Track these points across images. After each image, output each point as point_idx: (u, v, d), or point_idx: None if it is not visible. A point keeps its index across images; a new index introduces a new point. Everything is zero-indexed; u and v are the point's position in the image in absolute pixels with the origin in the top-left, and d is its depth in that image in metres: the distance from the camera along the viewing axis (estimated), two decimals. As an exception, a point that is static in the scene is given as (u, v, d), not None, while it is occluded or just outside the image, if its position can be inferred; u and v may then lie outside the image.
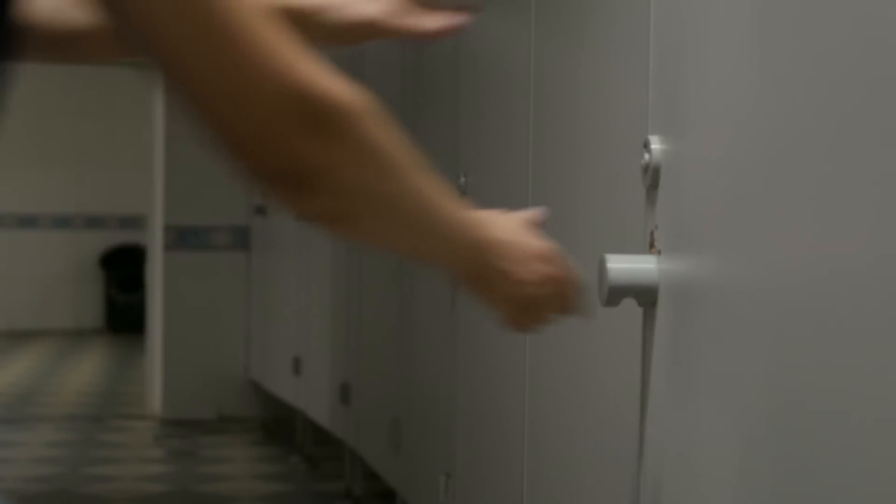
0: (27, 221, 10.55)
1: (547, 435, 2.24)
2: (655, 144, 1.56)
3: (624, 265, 1.53)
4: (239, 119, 0.85)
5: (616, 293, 1.53)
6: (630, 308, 1.62)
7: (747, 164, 1.34)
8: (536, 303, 1.29)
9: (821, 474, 1.16)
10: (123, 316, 10.25)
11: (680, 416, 1.50)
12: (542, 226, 1.30)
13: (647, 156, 1.56)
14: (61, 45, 1.22)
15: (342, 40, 1.32)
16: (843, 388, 1.12)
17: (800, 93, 1.23)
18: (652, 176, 1.56)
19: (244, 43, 0.83)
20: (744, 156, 1.35)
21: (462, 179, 2.83)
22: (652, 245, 1.57)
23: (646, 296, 1.54)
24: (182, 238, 6.14)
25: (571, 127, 2.11)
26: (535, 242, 1.24)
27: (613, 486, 1.87)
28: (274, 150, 0.88)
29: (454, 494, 2.93)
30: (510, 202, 2.48)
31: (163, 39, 0.81)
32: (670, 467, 1.53)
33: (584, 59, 2.05)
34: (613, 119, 1.88)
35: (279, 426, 5.90)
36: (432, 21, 1.34)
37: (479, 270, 1.25)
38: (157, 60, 0.83)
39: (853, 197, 1.12)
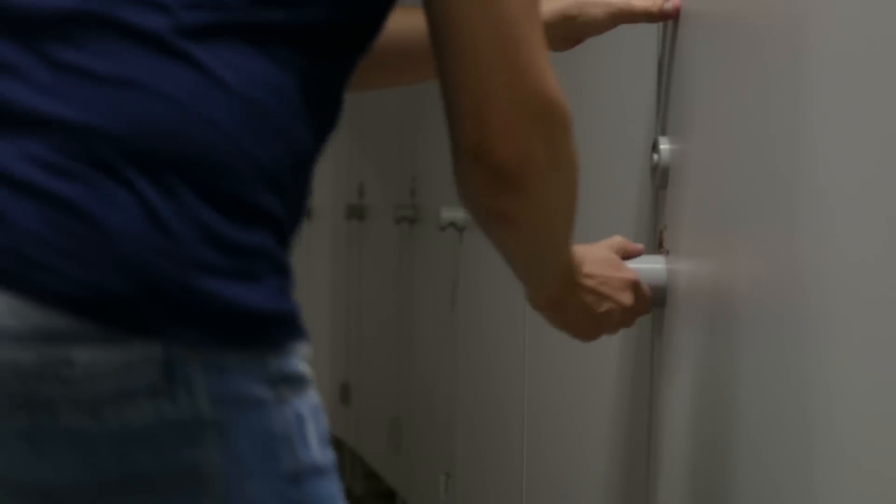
0: (23, 220, 10.54)
1: (547, 435, 2.24)
2: (664, 145, 1.56)
3: (633, 265, 1.53)
4: (492, 110, 1.02)
5: (624, 293, 1.53)
6: (637, 308, 1.62)
7: (756, 165, 1.34)
8: (605, 324, 1.39)
9: (824, 473, 1.17)
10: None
11: (688, 417, 1.50)
12: (635, 251, 1.47)
13: (655, 156, 1.57)
14: (397, 62, 1.38)
15: (589, 35, 1.53)
16: (850, 388, 1.13)
17: (809, 92, 1.23)
18: (661, 176, 1.56)
19: (520, 51, 1.00)
20: (752, 156, 1.35)
21: (464, 179, 2.83)
22: (660, 245, 1.57)
23: (654, 296, 1.54)
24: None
25: (579, 128, 2.10)
26: (620, 274, 1.38)
27: (614, 486, 1.87)
28: (508, 144, 1.04)
29: (454, 494, 2.93)
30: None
31: (461, 36, 0.98)
32: (672, 467, 1.53)
33: (591, 60, 2.06)
34: (622, 120, 1.88)
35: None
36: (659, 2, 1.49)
37: (562, 297, 1.36)
38: (445, 52, 0.99)
39: (863, 196, 1.12)
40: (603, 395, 1.95)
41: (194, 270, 0.86)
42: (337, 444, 4.71)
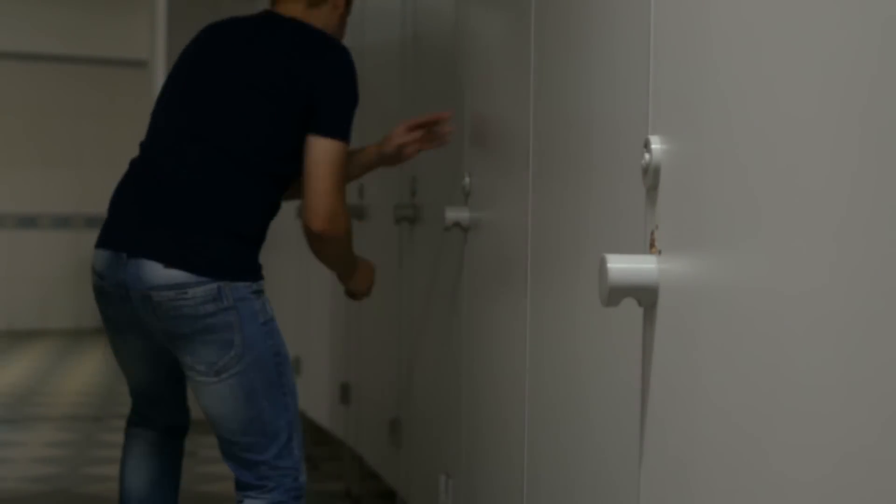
0: (27, 221, 10.55)
1: (547, 435, 2.24)
2: (656, 144, 1.56)
3: (624, 265, 1.53)
4: (312, 211, 2.71)
5: (616, 293, 1.53)
6: (630, 308, 1.62)
7: (747, 164, 1.34)
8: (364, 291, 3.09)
9: (822, 472, 1.17)
10: (123, 316, 10.25)
11: (680, 416, 1.50)
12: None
13: (647, 156, 1.57)
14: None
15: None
16: (844, 386, 1.13)
17: (800, 93, 1.23)
18: (652, 176, 1.56)
19: (334, 185, 2.71)
20: (744, 156, 1.35)
21: (466, 180, 2.83)
22: (652, 245, 1.57)
23: (646, 296, 1.54)
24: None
25: (571, 126, 2.11)
26: (368, 267, 3.08)
27: (613, 486, 1.87)
28: (317, 225, 2.73)
29: (454, 494, 2.93)
30: (512, 202, 2.48)
31: (311, 168, 2.72)
32: (670, 467, 1.53)
33: (584, 59, 2.06)
34: (614, 119, 1.88)
35: (279, 426, 5.90)
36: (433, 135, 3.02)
37: (352, 276, 3.04)
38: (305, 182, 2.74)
39: (853, 196, 1.12)
40: (602, 395, 1.95)
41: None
42: (337, 444, 4.73)
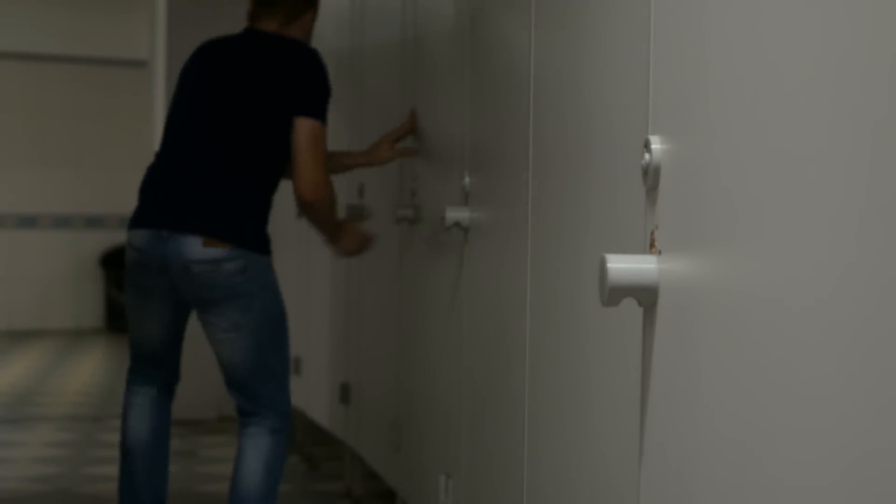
0: (27, 221, 10.55)
1: (547, 435, 2.24)
2: (656, 144, 1.56)
3: (624, 265, 1.53)
4: (302, 181, 3.34)
5: (616, 293, 1.53)
6: (630, 308, 1.62)
7: (747, 164, 1.34)
8: (352, 249, 3.59)
9: (823, 472, 1.17)
10: (123, 316, 10.23)
11: (680, 415, 1.50)
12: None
13: (647, 156, 1.56)
14: None
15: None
16: (845, 386, 1.13)
17: (800, 92, 1.23)
18: (652, 176, 1.56)
19: (316, 159, 3.33)
20: (744, 156, 1.35)
21: (466, 180, 2.83)
22: (652, 245, 1.57)
23: (646, 296, 1.54)
24: (182, 238, 6.14)
25: (571, 127, 2.11)
26: (353, 229, 3.60)
27: (613, 485, 1.87)
28: (306, 194, 3.36)
29: (454, 494, 2.93)
30: (511, 202, 2.48)
31: (297, 146, 3.32)
32: (670, 467, 1.53)
33: (584, 60, 2.06)
34: (614, 119, 1.88)
35: (279, 426, 5.90)
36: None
37: (337, 237, 3.54)
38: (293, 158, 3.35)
39: (853, 196, 1.12)
40: (600, 394, 1.95)
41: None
42: (337, 444, 4.73)
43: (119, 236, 10.50)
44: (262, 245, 3.31)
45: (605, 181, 1.93)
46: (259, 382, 3.34)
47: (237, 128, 3.29)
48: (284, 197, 5.79)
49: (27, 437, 5.81)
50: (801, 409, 1.20)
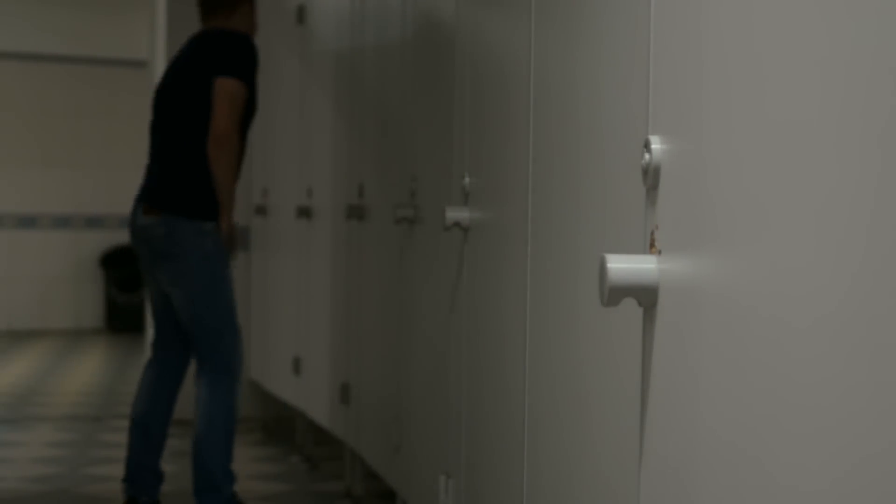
0: (27, 221, 10.55)
1: (547, 435, 2.24)
2: (656, 144, 1.56)
3: (624, 265, 1.53)
4: (212, 129, 3.88)
5: (616, 293, 1.53)
6: (630, 308, 1.62)
7: (747, 164, 1.34)
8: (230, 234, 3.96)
9: (823, 473, 1.17)
10: (123, 316, 10.26)
11: (680, 416, 1.50)
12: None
13: (647, 156, 1.56)
14: None
15: None
16: (845, 386, 1.13)
17: (800, 92, 1.23)
18: (652, 176, 1.56)
19: (230, 110, 3.85)
20: (744, 156, 1.35)
21: (466, 180, 2.83)
22: (652, 245, 1.57)
23: (646, 296, 1.54)
24: (182, 238, 6.14)
25: (571, 127, 2.11)
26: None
27: (613, 486, 1.87)
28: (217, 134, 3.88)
29: (454, 494, 2.93)
30: (511, 202, 2.48)
31: (214, 99, 3.87)
32: (670, 467, 1.53)
33: (584, 59, 2.06)
34: (614, 119, 1.88)
35: (279, 426, 5.90)
36: None
37: (228, 211, 3.93)
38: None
39: (853, 196, 1.12)
40: (600, 394, 1.95)
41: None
42: (337, 444, 4.73)
43: (119, 236, 10.51)
44: (191, 211, 3.85)
45: (605, 181, 1.93)
46: (200, 335, 3.90)
47: (178, 110, 3.91)
48: (285, 196, 5.76)
49: (27, 437, 5.81)
50: (801, 410, 1.20)
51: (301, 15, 5.34)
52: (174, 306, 3.94)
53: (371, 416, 4.04)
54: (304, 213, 5.07)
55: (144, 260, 4.00)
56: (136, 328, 9.20)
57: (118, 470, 4.93)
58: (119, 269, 10.35)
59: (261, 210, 5.98)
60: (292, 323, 5.35)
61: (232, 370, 3.95)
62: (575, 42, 2.11)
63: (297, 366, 5.24)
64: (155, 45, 7.59)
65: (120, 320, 10.30)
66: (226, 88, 3.84)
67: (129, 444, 4.06)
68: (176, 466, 4.86)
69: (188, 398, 6.26)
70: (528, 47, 2.36)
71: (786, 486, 1.23)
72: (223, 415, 3.94)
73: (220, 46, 3.94)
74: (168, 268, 3.89)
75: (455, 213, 2.83)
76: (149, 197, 3.93)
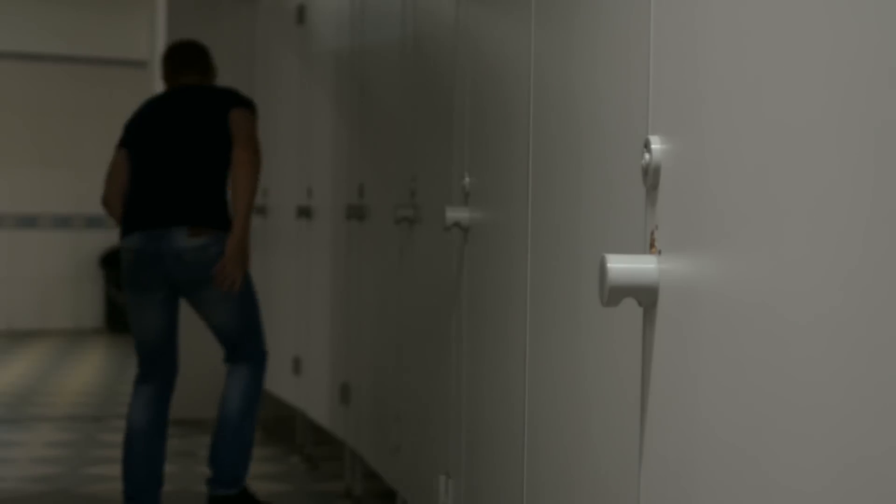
0: (27, 221, 10.55)
1: (547, 435, 2.24)
2: (656, 144, 1.56)
3: (624, 265, 1.53)
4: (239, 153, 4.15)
5: (616, 293, 1.53)
6: (630, 308, 1.62)
7: (747, 164, 1.34)
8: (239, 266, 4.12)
9: (820, 470, 1.17)
10: (123, 316, 10.24)
11: (680, 415, 1.50)
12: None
13: (647, 156, 1.57)
14: None
15: None
16: (845, 386, 1.13)
17: (799, 92, 1.23)
18: (652, 176, 1.56)
19: (251, 135, 4.18)
20: (744, 155, 1.35)
21: (466, 180, 2.83)
22: (652, 245, 1.57)
23: (646, 296, 1.54)
24: (182, 238, 6.14)
25: (571, 127, 2.11)
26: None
27: (613, 485, 1.87)
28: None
29: (454, 494, 2.93)
30: (511, 202, 2.48)
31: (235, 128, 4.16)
32: (670, 467, 1.53)
33: (584, 60, 2.06)
34: (614, 119, 1.88)
35: (279, 426, 5.90)
36: None
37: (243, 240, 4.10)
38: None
39: (852, 195, 1.12)
40: (600, 394, 1.95)
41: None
42: (337, 444, 4.73)
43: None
44: (228, 224, 4.12)
45: (605, 181, 1.93)
46: (245, 336, 4.21)
47: (193, 144, 4.16)
48: (285, 198, 5.76)
49: (27, 437, 5.81)
50: (800, 409, 1.20)
51: (301, 15, 5.34)
52: (212, 324, 4.19)
53: (371, 416, 4.04)
54: (304, 212, 5.07)
55: (166, 283, 4.07)
56: (136, 328, 9.18)
57: (118, 470, 4.93)
58: (119, 269, 10.34)
59: (261, 210, 5.98)
60: (292, 323, 5.35)
61: (266, 362, 4.31)
62: (575, 42, 2.11)
63: (297, 366, 5.24)
64: (155, 45, 7.60)
65: (120, 320, 10.30)
66: (247, 116, 4.17)
67: (128, 458, 4.10)
68: (176, 466, 4.86)
69: (189, 398, 6.27)
70: (528, 47, 2.36)
71: (785, 485, 1.23)
72: (256, 403, 4.25)
73: (225, 91, 4.32)
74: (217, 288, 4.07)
75: (455, 213, 2.83)
76: (187, 219, 4.05)
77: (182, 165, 4.14)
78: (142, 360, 4.16)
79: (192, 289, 4.09)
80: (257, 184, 4.15)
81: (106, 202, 4.26)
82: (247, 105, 4.20)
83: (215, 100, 4.22)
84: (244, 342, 4.22)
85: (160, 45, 6.68)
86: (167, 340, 4.16)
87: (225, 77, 6.07)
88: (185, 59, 4.43)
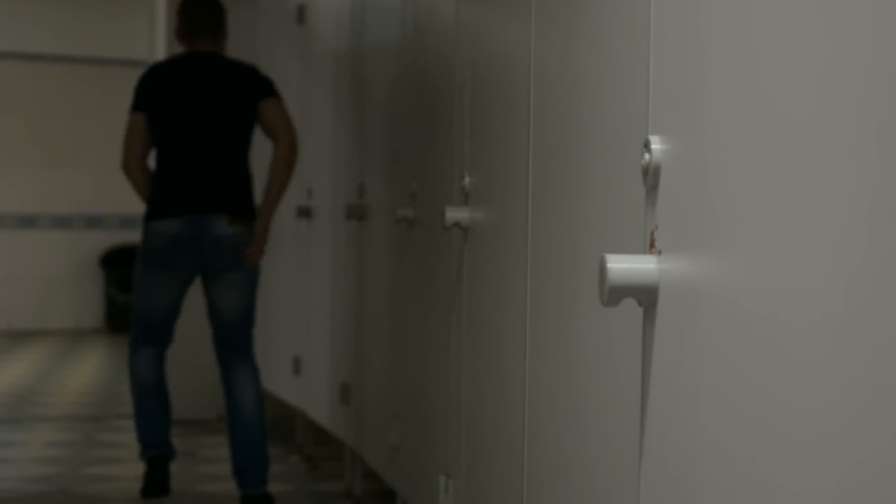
0: (27, 221, 10.55)
1: (547, 435, 2.24)
2: (656, 144, 1.56)
3: (624, 265, 1.53)
4: (283, 137, 4.37)
5: (616, 293, 1.53)
6: (630, 308, 1.62)
7: (747, 164, 1.34)
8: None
9: (820, 472, 1.16)
10: (123, 316, 10.24)
11: (680, 416, 1.50)
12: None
13: (647, 156, 1.56)
14: None
15: None
16: (845, 387, 1.13)
17: (801, 92, 1.23)
18: (652, 176, 1.56)
19: (289, 120, 4.38)
20: (744, 156, 1.35)
21: (466, 180, 2.83)
22: (652, 245, 1.57)
23: (646, 296, 1.54)
24: (182, 238, 6.14)
25: (571, 127, 2.11)
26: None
27: (613, 486, 1.87)
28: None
29: (454, 494, 2.93)
30: (511, 202, 2.48)
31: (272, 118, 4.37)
32: (670, 468, 1.53)
33: (584, 59, 2.06)
34: (614, 119, 1.88)
35: (279, 426, 5.90)
36: None
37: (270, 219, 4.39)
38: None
39: (853, 196, 1.12)
40: (600, 395, 1.95)
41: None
42: (337, 444, 4.73)
43: (119, 236, 10.51)
44: (254, 214, 4.33)
45: (605, 181, 1.93)
46: (248, 325, 4.37)
47: (224, 129, 4.29)
48: (285, 198, 5.77)
49: (27, 437, 5.81)
50: (800, 411, 1.20)
51: (301, 15, 5.34)
52: (220, 307, 4.35)
53: (371, 416, 4.04)
54: (305, 213, 5.07)
55: (194, 266, 4.32)
56: (136, 328, 9.18)
57: (118, 470, 4.94)
58: (119, 269, 10.35)
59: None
60: (292, 323, 5.35)
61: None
62: (575, 42, 2.11)
63: (297, 366, 5.24)
64: (155, 45, 7.60)
65: (120, 320, 10.30)
66: (279, 107, 4.34)
67: (142, 413, 4.48)
68: (176, 466, 4.86)
69: (189, 398, 6.27)
70: (528, 47, 2.36)
71: (785, 486, 1.23)
72: (263, 399, 4.40)
73: (250, 72, 4.40)
74: (242, 272, 4.31)
75: (455, 213, 2.83)
76: (228, 208, 4.26)
77: (214, 150, 4.28)
78: (144, 328, 4.43)
79: (218, 273, 4.28)
80: (292, 177, 4.41)
81: (126, 167, 4.37)
82: (273, 92, 4.34)
83: (243, 83, 4.32)
84: (246, 329, 4.37)
85: (160, 45, 6.67)
86: (175, 314, 4.42)
87: (225, 77, 6.07)
88: (202, 20, 4.46)
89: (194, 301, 4.74)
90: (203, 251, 4.26)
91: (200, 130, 4.28)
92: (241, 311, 4.34)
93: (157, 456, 4.45)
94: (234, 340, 4.35)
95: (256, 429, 4.29)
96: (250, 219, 4.29)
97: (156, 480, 4.44)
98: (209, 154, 4.27)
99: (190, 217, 4.24)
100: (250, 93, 4.30)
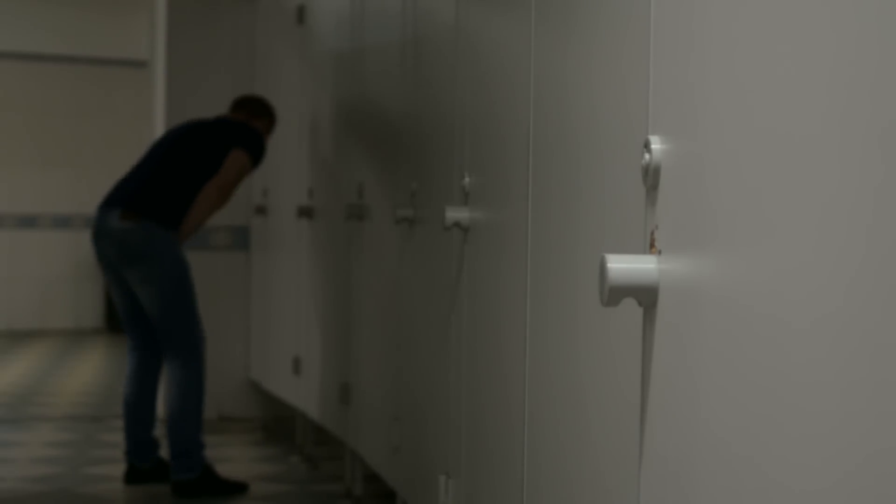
0: (27, 221, 10.55)
1: (547, 435, 2.24)
2: (656, 144, 1.56)
3: (624, 265, 1.53)
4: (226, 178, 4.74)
5: (616, 293, 1.53)
6: (630, 308, 1.62)
7: (747, 164, 1.34)
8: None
9: (820, 472, 1.16)
10: (123, 316, 10.26)
11: (680, 416, 1.50)
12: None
13: (647, 156, 1.56)
14: None
15: None
16: (846, 387, 1.13)
17: (801, 92, 1.23)
18: (652, 176, 1.56)
19: (231, 177, 4.72)
20: (744, 155, 1.35)
21: (466, 180, 2.83)
22: (652, 245, 1.57)
23: (646, 296, 1.54)
24: (182, 238, 6.15)
25: (571, 126, 2.11)
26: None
27: (613, 485, 1.87)
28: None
29: (454, 494, 2.93)
30: (511, 202, 2.48)
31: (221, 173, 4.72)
32: (670, 468, 1.53)
33: (584, 59, 2.06)
34: (613, 119, 1.88)
35: (279, 426, 5.90)
36: None
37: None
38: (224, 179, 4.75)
39: (853, 196, 1.12)
40: (600, 394, 1.95)
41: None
42: (337, 444, 4.73)
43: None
44: (166, 222, 4.56)
45: (605, 181, 1.93)
46: (170, 326, 4.55)
47: (192, 151, 4.69)
48: (285, 198, 5.76)
49: (27, 437, 5.81)
50: (800, 411, 1.20)
51: (301, 15, 5.34)
52: (142, 302, 4.58)
53: (371, 416, 4.04)
54: (305, 213, 5.07)
55: (108, 260, 4.62)
56: (136, 328, 9.18)
57: (118, 470, 4.93)
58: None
59: (261, 210, 5.98)
60: (292, 323, 5.35)
61: (201, 351, 4.62)
62: (575, 42, 2.11)
63: (297, 366, 5.24)
64: (155, 45, 7.59)
65: (119, 320, 10.30)
66: (242, 160, 4.70)
67: (124, 422, 4.74)
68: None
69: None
70: (528, 47, 2.36)
71: (785, 486, 1.23)
72: (195, 391, 4.58)
73: (247, 129, 4.81)
74: (140, 267, 4.54)
75: (455, 213, 2.83)
76: (127, 204, 4.59)
77: (162, 161, 4.69)
78: (124, 328, 4.81)
79: (123, 268, 4.56)
80: (209, 216, 4.72)
81: None
82: (249, 148, 4.73)
83: (229, 131, 4.77)
84: (164, 325, 4.58)
85: (160, 45, 6.67)
86: (134, 315, 4.70)
87: (225, 77, 6.08)
88: (244, 101, 5.03)
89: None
90: (104, 244, 4.60)
91: (162, 152, 4.72)
92: (154, 308, 4.55)
93: (131, 464, 4.74)
94: (158, 335, 4.61)
95: (176, 422, 4.54)
96: (153, 220, 4.54)
97: (133, 482, 4.74)
98: (153, 166, 4.67)
99: (102, 211, 4.65)
100: (229, 138, 4.72)
